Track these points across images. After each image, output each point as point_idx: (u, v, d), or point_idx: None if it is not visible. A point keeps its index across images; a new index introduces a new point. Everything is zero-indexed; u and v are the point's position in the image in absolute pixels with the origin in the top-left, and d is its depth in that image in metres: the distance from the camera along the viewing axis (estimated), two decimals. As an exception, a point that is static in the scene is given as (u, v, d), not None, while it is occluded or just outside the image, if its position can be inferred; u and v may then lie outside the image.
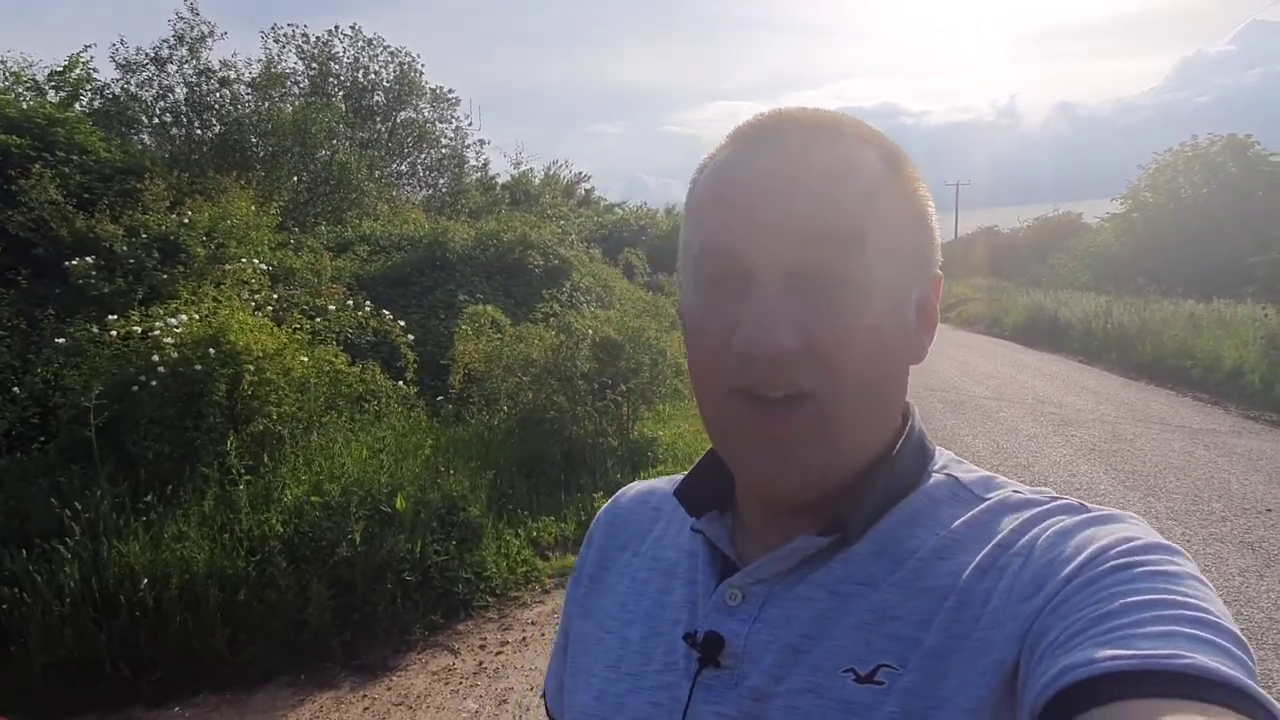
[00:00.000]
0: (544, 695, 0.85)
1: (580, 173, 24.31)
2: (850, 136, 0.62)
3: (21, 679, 3.82)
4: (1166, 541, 0.54)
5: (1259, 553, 5.18)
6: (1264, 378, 10.73)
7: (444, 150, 18.00)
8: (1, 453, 4.98)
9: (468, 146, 18.54)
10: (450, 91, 18.09)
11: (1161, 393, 11.55)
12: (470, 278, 9.52)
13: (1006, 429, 9.12)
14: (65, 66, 10.68)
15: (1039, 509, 0.60)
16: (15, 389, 5.21)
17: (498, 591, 4.92)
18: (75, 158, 8.08)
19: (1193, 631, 0.46)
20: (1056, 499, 0.61)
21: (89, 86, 11.16)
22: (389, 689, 4.01)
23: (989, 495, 0.63)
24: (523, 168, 20.63)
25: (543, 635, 4.48)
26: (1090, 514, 0.58)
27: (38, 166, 7.19)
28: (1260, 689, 0.44)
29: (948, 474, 0.66)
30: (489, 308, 8.10)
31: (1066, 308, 17.99)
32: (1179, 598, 0.48)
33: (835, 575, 0.61)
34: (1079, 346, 16.12)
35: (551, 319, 7.56)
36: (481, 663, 4.23)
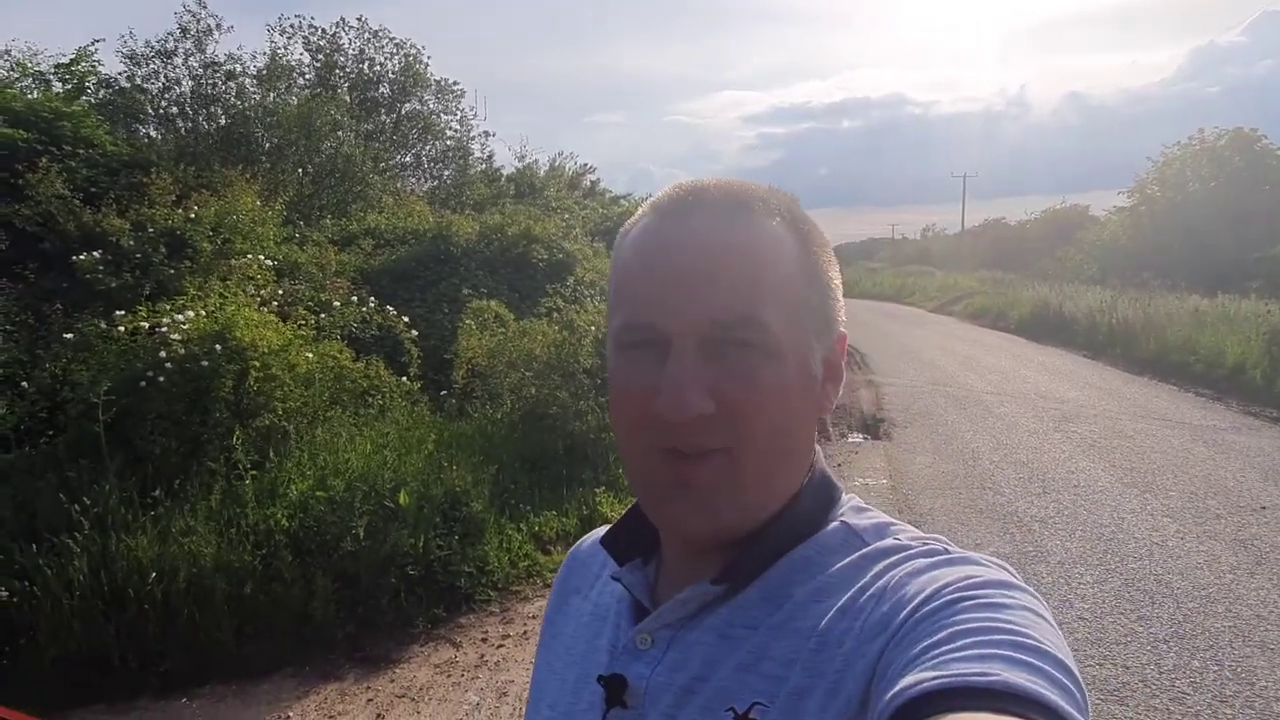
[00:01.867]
0: None
1: (585, 164, 24.28)
2: (759, 210, 0.66)
3: (31, 671, 3.89)
4: (1010, 579, 0.57)
5: (1251, 550, 5.22)
6: (1265, 374, 10.75)
7: (449, 142, 18.00)
8: (10, 447, 5.05)
9: (472, 138, 18.54)
10: (455, 83, 18.07)
11: (1164, 388, 11.57)
12: (474, 272, 9.56)
13: (1007, 425, 9.15)
14: (71, 60, 10.71)
15: (903, 554, 0.63)
16: (24, 384, 5.27)
17: (500, 586, 4.98)
18: (81, 151, 8.12)
19: (1009, 654, 0.49)
20: (926, 544, 0.64)
21: (94, 79, 11.20)
22: (392, 681, 4.08)
23: (874, 542, 0.66)
24: (527, 160, 20.63)
25: (543, 629, 4.55)
26: (945, 556, 0.62)
27: (44, 160, 7.24)
28: (1072, 709, 0.46)
29: (843, 521, 0.69)
30: (493, 302, 8.16)
31: (1071, 302, 17.97)
32: (1003, 625, 0.51)
33: (724, 620, 0.66)
34: (1083, 341, 16.12)
35: (555, 314, 7.61)
36: (483, 656, 4.29)
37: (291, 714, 3.81)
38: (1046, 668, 0.48)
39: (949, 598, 0.55)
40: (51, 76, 10.64)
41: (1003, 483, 6.92)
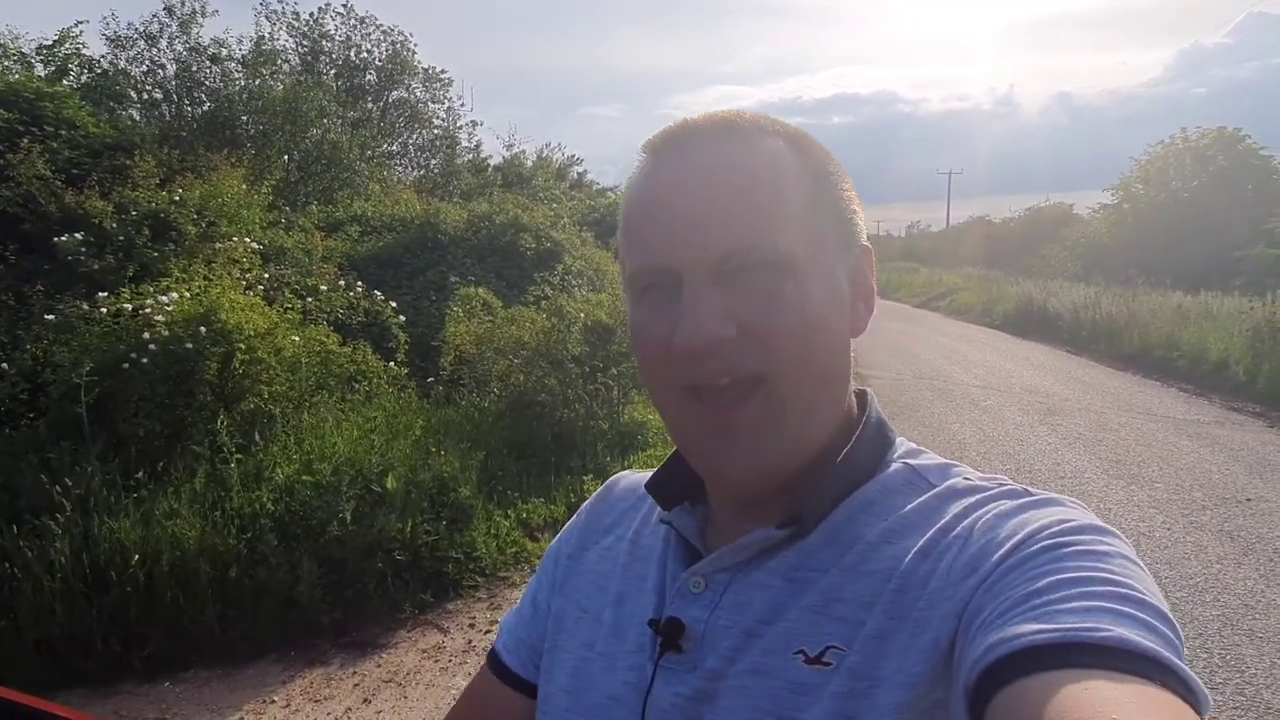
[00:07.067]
0: (494, 650, 0.84)
1: (573, 156, 24.20)
2: (750, 130, 0.65)
3: (11, 654, 3.82)
4: (1101, 523, 0.56)
5: (1237, 541, 5.26)
6: (1248, 370, 10.84)
7: (436, 131, 17.92)
8: (-9, 428, 4.97)
9: (460, 127, 18.46)
10: (443, 72, 18.00)
11: (1148, 383, 11.65)
12: (462, 259, 9.50)
13: (994, 417, 9.19)
14: (55, 41, 10.57)
15: (983, 494, 0.62)
16: (4, 365, 5.19)
17: (487, 571, 4.95)
18: (64, 133, 7.99)
19: (1116, 607, 0.47)
20: (1003, 485, 0.63)
21: (78, 61, 11.05)
22: (379, 666, 4.04)
23: (941, 482, 0.65)
24: (515, 150, 20.54)
25: (531, 615, 4.52)
26: (1031, 498, 0.60)
27: (26, 141, 7.11)
28: (1180, 661, 0.45)
29: (904, 462, 0.68)
30: (480, 290, 8.11)
31: (1056, 298, 18.08)
32: (1106, 575, 0.50)
33: (790, 563, 0.64)
34: (1068, 337, 16.21)
35: (543, 302, 7.57)
36: (470, 641, 4.26)
37: (277, 699, 3.77)
38: (1151, 620, 0.47)
39: (1045, 543, 0.53)
40: (34, 58, 10.50)
41: (990, 474, 6.93)
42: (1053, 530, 0.54)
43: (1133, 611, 0.47)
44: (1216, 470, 6.91)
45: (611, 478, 0.89)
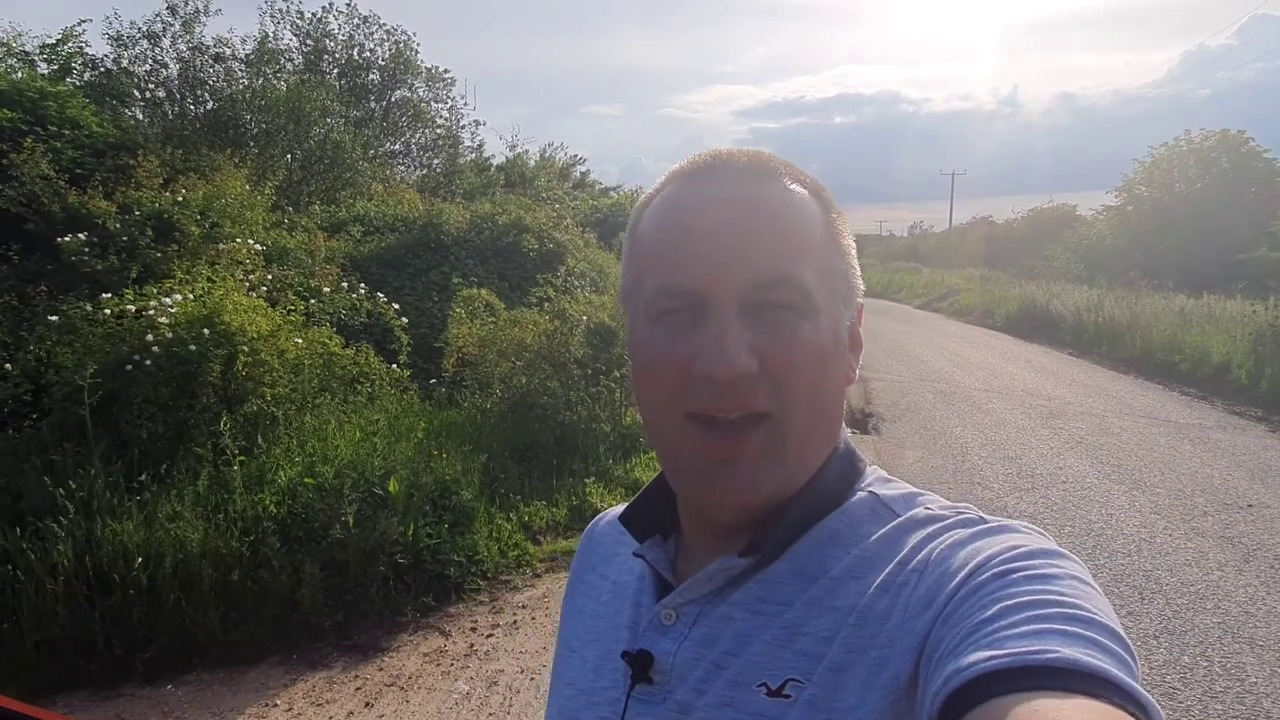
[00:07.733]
0: None
1: (576, 155, 24.20)
2: (780, 172, 0.67)
3: (13, 656, 3.83)
4: (1053, 546, 0.57)
5: (1238, 547, 5.26)
6: (1250, 373, 10.83)
7: (439, 130, 17.92)
8: (-6, 430, 4.97)
9: (463, 127, 18.47)
10: (446, 71, 18.00)
11: (1150, 387, 11.64)
12: (465, 260, 9.50)
13: (996, 421, 9.19)
14: (58, 40, 10.57)
15: (940, 524, 0.63)
16: (8, 366, 5.19)
17: (489, 575, 4.96)
18: (67, 132, 8.00)
19: (1065, 628, 0.48)
20: (961, 513, 0.64)
21: (81, 60, 11.05)
22: (381, 669, 4.05)
23: (905, 512, 0.66)
24: (518, 150, 20.54)
25: (533, 619, 4.53)
26: (984, 526, 0.61)
27: (29, 140, 7.11)
28: (1130, 679, 0.46)
29: (870, 492, 0.69)
30: (483, 291, 8.10)
31: (1058, 300, 18.05)
32: (1055, 597, 0.51)
33: (755, 595, 0.65)
34: (1069, 339, 16.20)
35: (546, 303, 7.57)
36: (473, 645, 4.27)
37: (279, 702, 3.77)
38: (1101, 639, 0.48)
39: (996, 570, 0.54)
40: (37, 57, 10.49)
41: (991, 478, 6.94)
42: (1003, 557, 0.55)
43: (1082, 631, 0.48)
44: (1218, 475, 6.90)
45: (595, 518, 0.91)
